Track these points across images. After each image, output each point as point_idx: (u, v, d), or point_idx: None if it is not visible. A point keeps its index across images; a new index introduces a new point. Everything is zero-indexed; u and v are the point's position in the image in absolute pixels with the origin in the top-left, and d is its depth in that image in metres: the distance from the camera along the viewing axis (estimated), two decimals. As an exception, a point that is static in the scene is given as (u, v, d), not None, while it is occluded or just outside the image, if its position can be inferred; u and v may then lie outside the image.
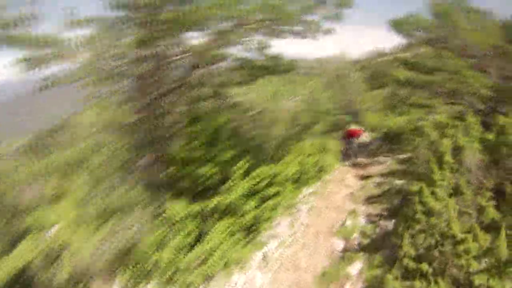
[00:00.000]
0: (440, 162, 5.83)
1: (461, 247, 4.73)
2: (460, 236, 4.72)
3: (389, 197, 7.82)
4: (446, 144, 5.96)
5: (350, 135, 11.87)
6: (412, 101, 15.28)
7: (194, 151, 5.45)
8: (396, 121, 15.08)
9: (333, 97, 15.99)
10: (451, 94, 11.36)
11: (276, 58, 5.56)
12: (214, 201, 5.45)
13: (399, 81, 11.86)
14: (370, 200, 7.97)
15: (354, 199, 8.14)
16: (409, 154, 10.41)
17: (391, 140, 12.83)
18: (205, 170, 5.29)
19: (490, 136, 6.29)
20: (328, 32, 4.87)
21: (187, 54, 5.68)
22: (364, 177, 9.59)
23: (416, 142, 8.41)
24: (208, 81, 5.88)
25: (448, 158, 5.77)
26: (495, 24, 9.67)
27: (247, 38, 5.08)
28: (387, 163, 10.43)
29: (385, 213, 7.31)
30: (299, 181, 8.02)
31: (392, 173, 9.22)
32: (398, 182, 8.43)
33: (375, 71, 32.83)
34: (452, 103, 11.76)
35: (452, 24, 9.51)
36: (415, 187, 8.09)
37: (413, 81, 11.61)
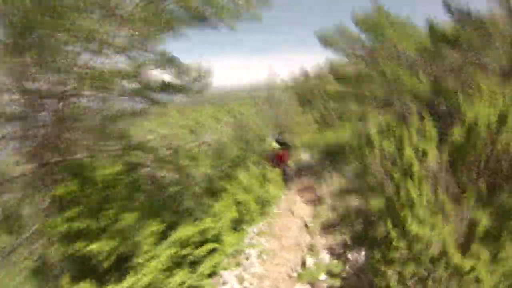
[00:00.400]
0: (408, 174, 4.65)
1: (469, 276, 3.48)
2: (468, 264, 3.48)
3: (349, 221, 6.54)
4: (409, 152, 4.85)
5: (279, 160, 10.73)
6: (344, 114, 14.80)
7: (79, 219, 3.53)
8: (333, 136, 14.42)
9: (265, 122, 14.97)
10: (384, 101, 10.87)
11: (183, 68, 3.85)
12: (126, 284, 3.60)
13: (331, 96, 11.09)
14: (328, 229, 6.62)
15: (310, 231, 6.75)
16: (357, 169, 9.45)
17: (333, 156, 11.89)
18: (100, 245, 3.44)
19: (456, 134, 5.31)
20: (255, 18, 3.43)
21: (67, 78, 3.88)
22: (315, 202, 8.33)
23: (365, 154, 7.36)
24: (95, 113, 4.12)
25: (417, 168, 4.62)
26: (418, 29, 9.33)
27: (137, 40, 3.39)
28: (335, 181, 9.31)
29: (350, 243, 5.98)
30: (242, 223, 6.46)
31: (344, 192, 8.05)
32: (354, 201, 7.25)
33: (305, 91, 33.24)
34: (387, 110, 11.27)
35: (379, 32, 8.94)
36: (375, 203, 7.01)
37: (344, 94, 10.94)
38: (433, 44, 8.90)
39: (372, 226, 6.35)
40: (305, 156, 13.61)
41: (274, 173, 9.36)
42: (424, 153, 5.22)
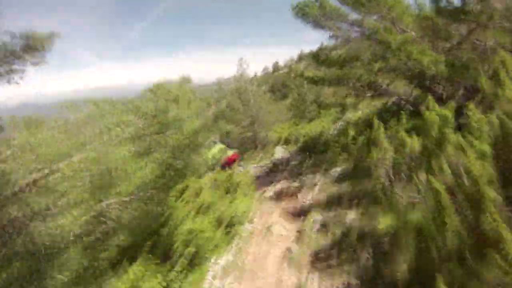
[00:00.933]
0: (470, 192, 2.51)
1: None
2: None
3: (350, 248, 4.38)
4: (469, 154, 2.71)
5: (228, 163, 8.57)
6: (322, 102, 12.70)
7: None
8: (312, 127, 12.24)
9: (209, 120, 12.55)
10: (370, 86, 8.81)
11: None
12: None
13: (310, 81, 8.88)
14: (320, 261, 4.43)
15: (295, 263, 4.53)
16: (344, 168, 7.33)
17: (313, 151, 9.73)
18: None
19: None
20: None
21: None
22: (297, 214, 6.14)
23: (363, 150, 5.23)
24: None
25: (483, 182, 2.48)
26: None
27: None
28: (319, 183, 7.15)
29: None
30: (199, 258, 4.16)
31: (334, 202, 5.89)
32: (351, 216, 5.11)
33: (275, 83, 31.08)
34: (374, 96, 9.21)
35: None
36: (385, 222, 4.90)
37: (324, 79, 8.77)
38: (437, 16, 6.87)
39: (386, 259, 4.25)
40: (280, 151, 11.41)
41: (242, 175, 7.09)
42: (483, 155, 3.10)
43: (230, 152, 8.52)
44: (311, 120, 14.56)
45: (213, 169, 8.28)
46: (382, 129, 4.33)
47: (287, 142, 12.49)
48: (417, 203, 4.51)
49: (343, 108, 11.52)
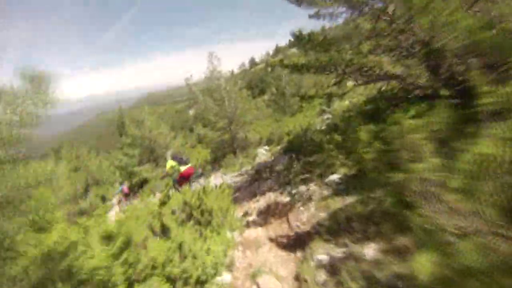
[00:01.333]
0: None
1: None
2: None
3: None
4: None
5: (186, 178, 7.05)
6: (304, 94, 11.00)
7: None
8: (295, 122, 10.53)
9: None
10: (361, 71, 7.20)
11: None
12: None
13: (293, 67, 7.18)
14: None
15: None
16: (344, 174, 5.68)
17: (300, 152, 8.05)
18: None
19: None
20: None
21: None
22: (291, 246, 4.42)
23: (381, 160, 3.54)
24: None
25: None
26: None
27: None
28: (315, 196, 5.48)
29: None
30: None
31: (341, 227, 4.20)
32: (369, 253, 3.44)
33: (253, 78, 29.28)
34: (368, 82, 7.60)
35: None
36: (425, 263, 3.27)
37: (308, 66, 7.10)
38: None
39: None
40: (262, 154, 9.66)
41: (218, 194, 5.31)
42: None
43: (183, 168, 6.95)
44: (293, 114, 12.91)
45: (174, 188, 6.77)
46: (424, 131, 2.61)
47: (269, 142, 10.77)
48: (470, 235, 2.91)
49: (329, 99, 9.83)
